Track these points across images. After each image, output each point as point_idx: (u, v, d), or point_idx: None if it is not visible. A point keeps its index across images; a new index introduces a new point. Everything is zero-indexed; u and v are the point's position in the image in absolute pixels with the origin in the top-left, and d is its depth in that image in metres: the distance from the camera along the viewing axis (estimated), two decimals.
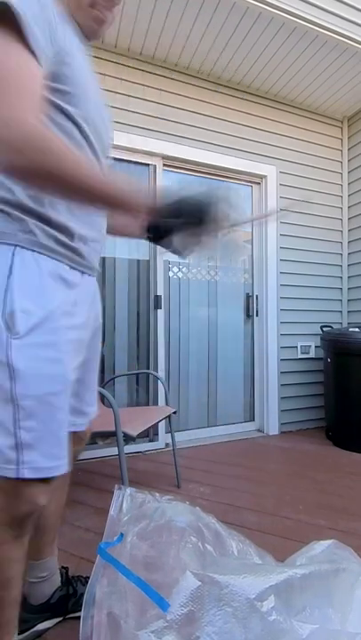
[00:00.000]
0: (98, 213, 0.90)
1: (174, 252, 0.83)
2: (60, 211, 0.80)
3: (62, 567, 1.15)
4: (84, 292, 0.88)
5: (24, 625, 1.04)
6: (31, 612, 1.05)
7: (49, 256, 0.78)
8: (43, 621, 1.07)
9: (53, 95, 0.75)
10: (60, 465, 0.76)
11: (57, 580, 1.10)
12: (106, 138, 0.93)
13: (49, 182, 0.68)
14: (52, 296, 0.76)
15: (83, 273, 0.87)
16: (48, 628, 1.07)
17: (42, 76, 0.71)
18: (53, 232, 0.79)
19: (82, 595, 1.07)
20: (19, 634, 1.02)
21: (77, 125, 0.80)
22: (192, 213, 0.74)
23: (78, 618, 0.82)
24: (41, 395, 0.73)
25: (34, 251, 0.76)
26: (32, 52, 0.67)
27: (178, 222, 0.75)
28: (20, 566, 0.80)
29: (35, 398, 0.73)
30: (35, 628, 1.05)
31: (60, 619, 1.10)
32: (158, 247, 0.84)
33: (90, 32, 0.90)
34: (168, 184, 2.39)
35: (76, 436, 1.01)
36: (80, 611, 1.02)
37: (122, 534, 0.88)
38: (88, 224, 0.86)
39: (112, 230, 1.04)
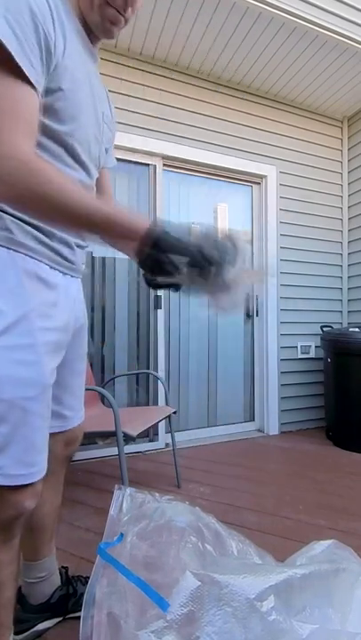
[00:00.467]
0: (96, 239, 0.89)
1: (151, 282, 0.74)
2: None
3: (62, 567, 1.14)
4: (65, 294, 0.85)
5: (24, 625, 1.04)
6: (31, 612, 1.05)
7: (27, 254, 0.76)
8: (43, 621, 1.06)
9: (42, 113, 0.73)
10: (32, 472, 0.75)
11: (56, 580, 1.10)
12: (97, 150, 0.92)
13: (42, 212, 0.68)
14: (29, 296, 0.74)
15: (64, 274, 0.85)
16: (48, 628, 1.07)
17: (37, 101, 0.69)
18: (32, 230, 0.77)
19: (82, 594, 1.07)
20: (19, 634, 1.02)
21: (64, 145, 0.79)
22: (197, 258, 0.68)
23: (78, 618, 0.82)
24: (13, 399, 0.71)
25: (9, 249, 0.74)
26: (25, 78, 0.66)
27: (177, 261, 0.68)
28: (11, 568, 0.79)
29: (6, 402, 0.70)
30: (35, 628, 1.05)
31: (61, 618, 1.09)
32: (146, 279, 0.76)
33: (102, 31, 0.87)
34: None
35: (64, 438, 1.00)
36: (80, 611, 1.02)
37: (122, 534, 0.88)
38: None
39: (113, 246, 1.03)
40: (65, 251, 0.84)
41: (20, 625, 1.03)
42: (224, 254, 0.71)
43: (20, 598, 1.05)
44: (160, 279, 0.71)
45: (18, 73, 0.65)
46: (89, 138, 0.87)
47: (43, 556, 1.06)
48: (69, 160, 0.82)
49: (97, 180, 0.99)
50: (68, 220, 0.69)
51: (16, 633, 1.02)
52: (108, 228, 0.70)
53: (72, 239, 0.86)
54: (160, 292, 2.74)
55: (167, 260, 0.67)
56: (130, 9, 0.84)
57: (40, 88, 0.70)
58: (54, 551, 1.10)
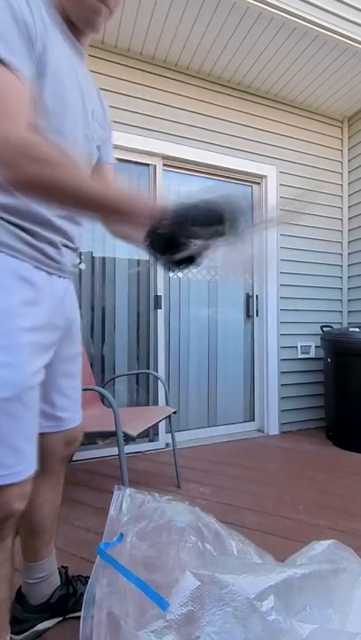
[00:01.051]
0: (83, 220, 0.88)
1: (167, 263, 0.75)
2: (24, 214, 0.77)
3: (62, 567, 1.14)
4: (51, 293, 0.84)
5: (24, 625, 1.03)
6: (31, 612, 1.05)
7: (7, 253, 0.75)
8: (42, 621, 1.06)
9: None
10: (6, 474, 0.72)
11: (56, 580, 1.09)
12: (87, 148, 0.91)
13: (48, 192, 0.68)
14: (8, 295, 0.73)
15: (50, 274, 0.84)
16: (48, 628, 1.07)
17: (28, 88, 0.70)
18: (15, 230, 0.76)
19: (82, 594, 1.07)
20: (19, 634, 1.02)
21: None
22: (203, 219, 0.69)
23: (78, 618, 0.82)
24: None
25: None
26: (12, 68, 0.67)
27: (188, 230, 0.69)
28: (4, 570, 0.78)
29: None
30: (35, 628, 1.05)
31: (60, 618, 1.09)
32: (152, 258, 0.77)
33: (86, 23, 0.85)
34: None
35: (64, 438, 0.99)
36: (80, 610, 1.02)
37: (122, 534, 0.88)
38: (54, 229, 0.84)
39: (116, 234, 1.02)
40: (50, 250, 0.83)
41: (20, 625, 1.03)
42: (234, 207, 0.71)
43: (20, 598, 1.05)
44: (178, 255, 0.71)
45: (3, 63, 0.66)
46: (77, 135, 0.86)
47: (42, 556, 1.05)
48: None
49: (98, 179, 0.99)
50: (72, 200, 0.69)
51: (16, 633, 1.01)
52: (112, 208, 0.70)
53: (58, 239, 0.85)
54: (160, 292, 2.75)
55: (185, 233, 0.68)
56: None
57: (27, 74, 0.70)
58: (54, 552, 1.10)
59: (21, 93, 0.69)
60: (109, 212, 0.73)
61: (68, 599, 1.09)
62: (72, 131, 0.84)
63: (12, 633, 0.97)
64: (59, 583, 1.10)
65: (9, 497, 0.73)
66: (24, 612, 1.04)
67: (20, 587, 1.06)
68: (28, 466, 0.76)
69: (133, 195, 0.72)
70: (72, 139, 0.84)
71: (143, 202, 0.71)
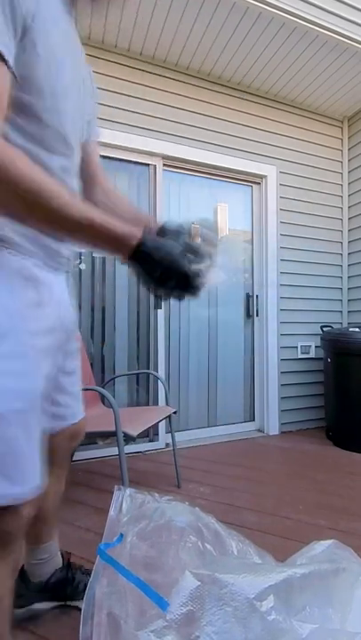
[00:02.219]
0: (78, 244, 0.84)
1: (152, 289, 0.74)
2: None
3: (66, 552, 1.18)
4: (53, 292, 0.80)
5: (23, 600, 1.08)
6: (31, 590, 1.09)
7: (11, 252, 0.70)
8: (41, 601, 1.11)
9: (16, 87, 0.64)
10: (24, 492, 0.68)
11: (58, 562, 1.13)
12: (80, 124, 0.85)
13: (19, 214, 0.63)
14: (15, 296, 0.69)
15: (56, 269, 0.81)
16: (45, 610, 1.12)
17: (9, 77, 0.62)
18: (19, 227, 0.70)
19: (79, 583, 1.12)
20: (18, 608, 1.06)
21: (44, 123, 0.71)
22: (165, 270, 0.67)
23: (77, 615, 0.82)
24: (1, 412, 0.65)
25: None
26: None
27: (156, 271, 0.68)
28: (7, 583, 0.76)
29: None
30: (33, 606, 1.10)
31: (58, 603, 1.13)
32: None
33: None
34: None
35: (70, 432, 1.00)
36: (78, 600, 1.05)
37: (122, 534, 0.88)
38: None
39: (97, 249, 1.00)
40: (54, 245, 0.78)
41: (20, 600, 1.07)
42: (197, 256, 0.71)
43: (23, 575, 1.10)
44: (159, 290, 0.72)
45: None
46: (73, 110, 0.78)
47: (45, 540, 1.09)
48: (52, 142, 0.74)
49: (85, 158, 0.93)
50: (45, 222, 0.64)
51: (15, 607, 1.03)
52: (92, 233, 0.65)
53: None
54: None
55: (155, 274, 0.67)
56: None
57: (10, 58, 0.61)
58: (57, 536, 1.13)
59: (1, 82, 0.60)
60: (88, 237, 0.67)
61: (67, 584, 1.13)
62: (68, 107, 0.75)
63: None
64: (60, 565, 1.13)
65: (24, 510, 0.71)
66: (26, 588, 1.09)
67: (23, 566, 1.10)
68: (40, 476, 0.73)
69: (113, 224, 0.66)
70: (68, 115, 0.76)
71: (121, 235, 0.67)
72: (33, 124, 0.70)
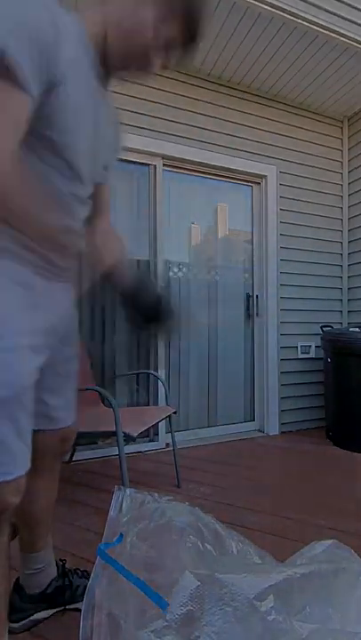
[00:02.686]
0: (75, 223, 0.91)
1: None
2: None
3: (60, 560, 1.17)
4: (49, 298, 0.85)
5: (21, 614, 1.07)
6: (28, 602, 1.08)
7: (9, 259, 0.76)
8: (39, 611, 1.10)
9: (38, 122, 0.72)
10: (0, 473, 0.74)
11: (53, 572, 1.12)
12: (96, 166, 0.92)
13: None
14: (7, 299, 0.75)
15: (50, 279, 0.85)
16: (45, 618, 1.10)
17: (27, 109, 0.68)
18: (18, 235, 0.77)
19: (78, 586, 1.11)
20: (16, 622, 1.06)
21: (61, 157, 0.79)
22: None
23: (78, 616, 0.82)
24: None
25: None
26: (19, 85, 0.65)
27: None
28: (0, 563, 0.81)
29: None
30: (32, 617, 1.08)
31: (57, 610, 1.12)
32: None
33: (121, 66, 0.84)
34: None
35: (60, 435, 1.01)
36: (77, 602, 1.05)
37: (122, 535, 0.88)
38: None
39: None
40: (53, 256, 0.83)
41: (18, 614, 1.06)
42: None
43: (18, 588, 1.09)
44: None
45: (15, 80, 0.64)
46: (86, 151, 0.85)
47: (39, 548, 1.08)
48: (65, 170, 0.82)
49: (97, 194, 0.99)
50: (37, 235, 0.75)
51: (13, 621, 1.05)
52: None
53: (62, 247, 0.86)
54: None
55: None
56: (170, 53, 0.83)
57: (34, 93, 0.68)
58: (51, 544, 1.13)
59: (17, 115, 0.68)
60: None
61: (65, 591, 1.12)
62: (83, 150, 0.83)
63: (10, 621, 1.00)
64: (55, 574, 1.12)
65: (4, 492, 0.75)
66: (21, 601, 1.08)
67: (18, 577, 1.10)
68: (20, 464, 0.78)
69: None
70: (82, 156, 0.84)
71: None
72: (50, 154, 0.78)
